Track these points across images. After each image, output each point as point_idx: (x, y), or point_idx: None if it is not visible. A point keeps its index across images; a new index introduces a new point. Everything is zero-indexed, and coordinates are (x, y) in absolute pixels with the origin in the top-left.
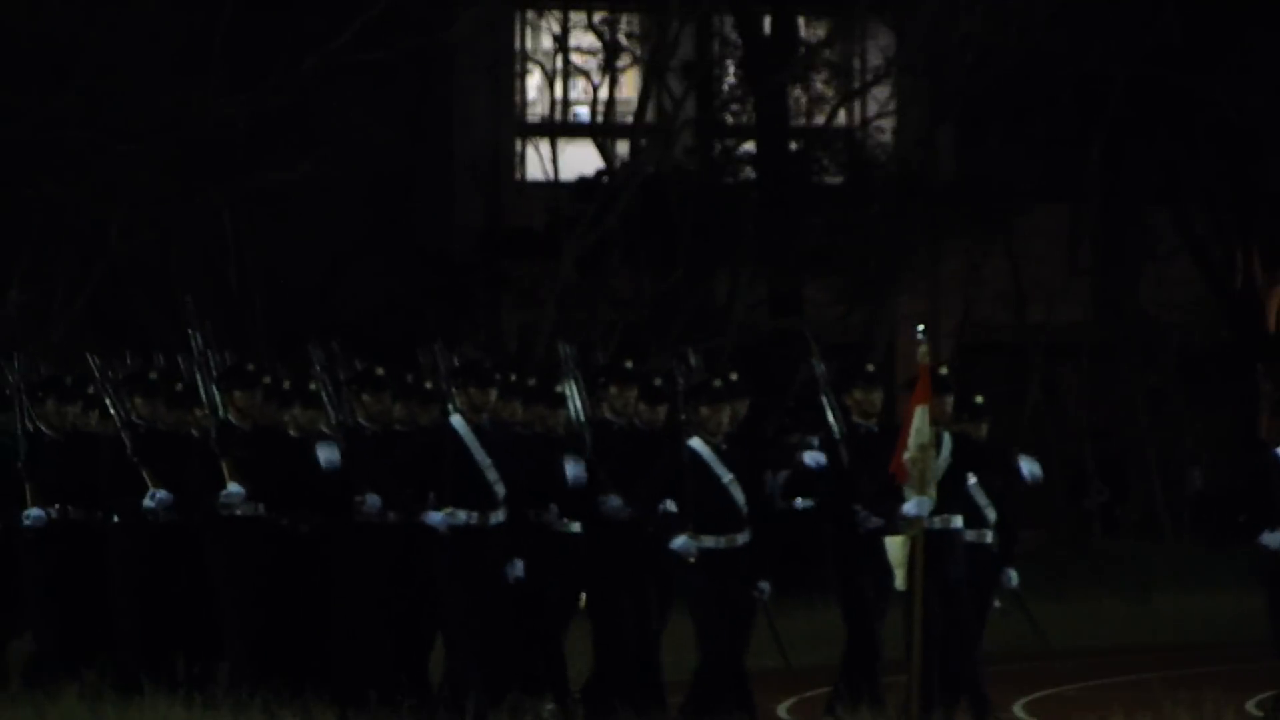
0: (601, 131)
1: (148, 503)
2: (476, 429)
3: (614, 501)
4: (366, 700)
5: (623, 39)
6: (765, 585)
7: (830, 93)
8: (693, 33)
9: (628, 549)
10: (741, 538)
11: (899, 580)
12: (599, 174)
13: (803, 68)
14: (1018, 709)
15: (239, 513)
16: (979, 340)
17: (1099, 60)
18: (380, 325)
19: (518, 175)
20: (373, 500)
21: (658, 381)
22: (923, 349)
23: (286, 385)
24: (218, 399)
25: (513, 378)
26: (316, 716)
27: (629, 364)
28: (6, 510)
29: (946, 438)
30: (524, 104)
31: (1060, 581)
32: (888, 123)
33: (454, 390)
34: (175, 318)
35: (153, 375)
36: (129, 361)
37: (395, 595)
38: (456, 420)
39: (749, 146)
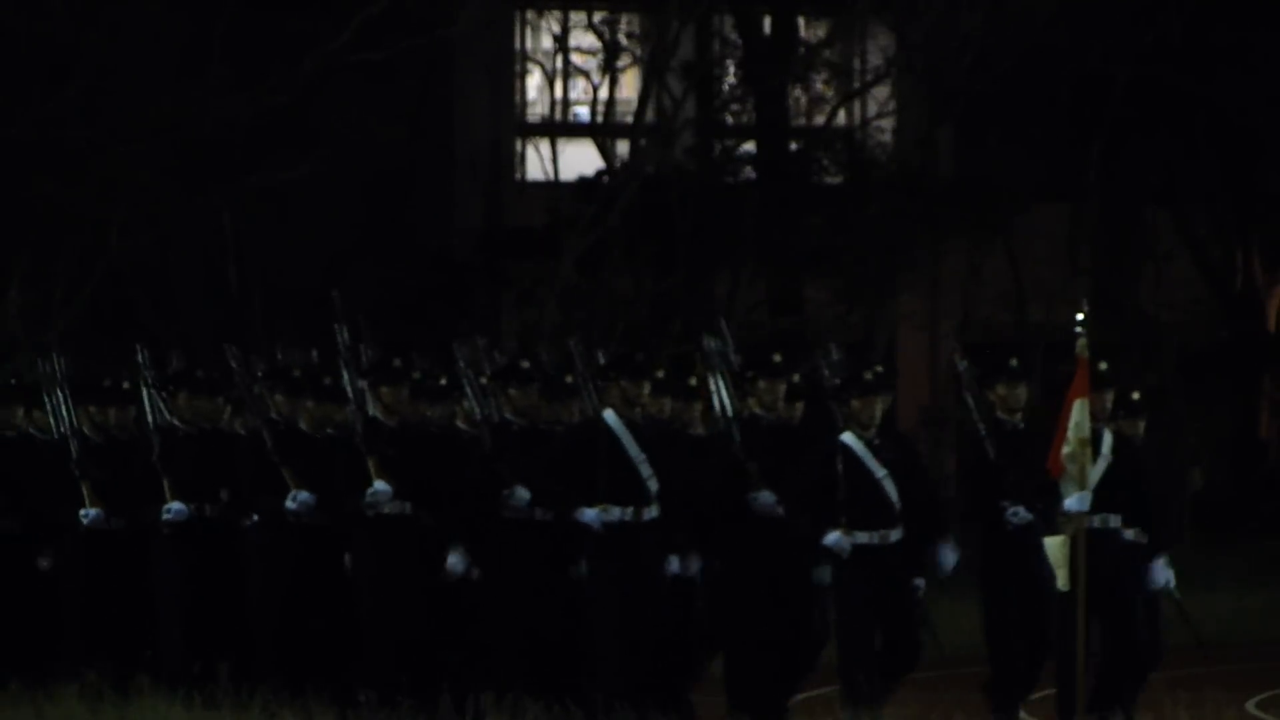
0: (601, 131)
1: (289, 504)
2: (630, 424)
3: (766, 498)
4: (374, 699)
5: (623, 39)
6: (920, 582)
7: (830, 93)
8: (693, 33)
9: (779, 545)
10: (895, 534)
11: (1062, 580)
12: (599, 174)
13: (803, 68)
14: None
15: (385, 511)
16: (979, 340)
17: (1099, 60)
18: (380, 325)
19: (518, 175)
20: (521, 494)
21: (797, 377)
22: (1081, 341)
23: (420, 377)
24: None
25: (660, 374)
26: (316, 716)
27: (778, 358)
28: (141, 507)
29: (1107, 435)
30: (524, 104)
31: None
32: (888, 123)
33: (603, 385)
34: (175, 317)
35: (296, 371)
36: (279, 356)
37: (545, 591)
38: (609, 415)
39: (749, 146)
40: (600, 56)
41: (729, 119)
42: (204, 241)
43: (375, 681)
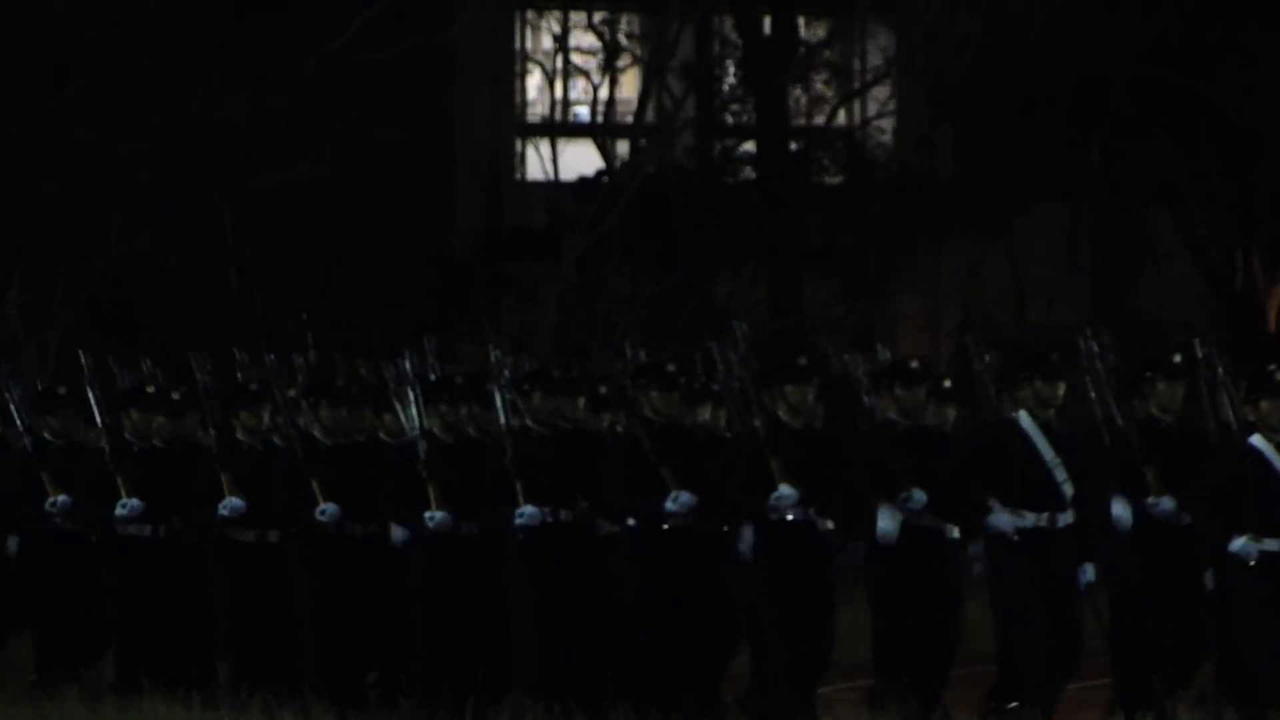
0: (601, 131)
1: (669, 504)
2: (1043, 425)
3: (1166, 504)
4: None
5: (623, 39)
6: None
7: (830, 93)
8: (693, 33)
9: (1178, 552)
10: None
11: None
12: (599, 174)
13: (803, 68)
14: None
15: (789, 517)
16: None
17: (1099, 60)
18: (380, 325)
19: (518, 175)
20: (918, 497)
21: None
22: None
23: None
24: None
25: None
26: (316, 716)
27: (1178, 359)
28: (492, 511)
29: None
30: (524, 104)
31: None
32: (888, 123)
33: (1013, 384)
34: (175, 318)
35: (670, 366)
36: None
37: (927, 597)
38: (1023, 416)
39: (749, 146)
40: (600, 56)
41: (729, 119)
42: (204, 241)
43: (775, 688)
